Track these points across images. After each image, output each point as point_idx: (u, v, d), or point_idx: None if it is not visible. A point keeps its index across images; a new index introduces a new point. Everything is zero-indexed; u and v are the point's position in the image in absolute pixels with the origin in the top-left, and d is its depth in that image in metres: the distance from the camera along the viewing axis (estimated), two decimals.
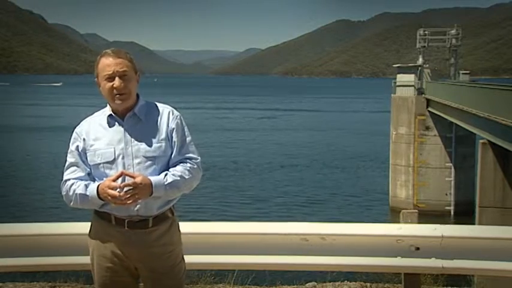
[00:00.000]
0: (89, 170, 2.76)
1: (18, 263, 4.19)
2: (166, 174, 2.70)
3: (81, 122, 2.86)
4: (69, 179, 2.75)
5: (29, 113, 68.43)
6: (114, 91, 2.70)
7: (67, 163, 2.80)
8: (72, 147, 2.80)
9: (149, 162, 2.72)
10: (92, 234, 2.84)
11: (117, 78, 2.69)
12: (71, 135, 2.83)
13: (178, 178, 2.71)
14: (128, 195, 2.60)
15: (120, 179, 2.63)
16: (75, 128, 2.86)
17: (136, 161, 2.70)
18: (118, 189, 2.61)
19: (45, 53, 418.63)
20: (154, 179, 2.66)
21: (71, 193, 2.72)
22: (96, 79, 2.78)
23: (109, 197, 2.61)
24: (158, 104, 2.86)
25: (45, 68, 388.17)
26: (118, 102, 2.72)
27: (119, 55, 2.74)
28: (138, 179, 2.61)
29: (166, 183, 2.68)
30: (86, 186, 2.70)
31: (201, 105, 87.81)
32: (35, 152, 36.72)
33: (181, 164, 2.76)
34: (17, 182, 27.58)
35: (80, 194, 2.69)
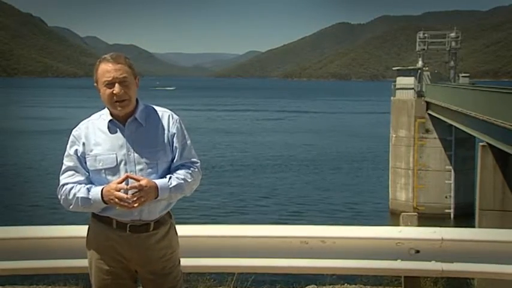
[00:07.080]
0: (87, 174, 2.73)
1: (17, 266, 4.18)
2: (170, 178, 2.71)
3: (78, 124, 2.82)
4: (67, 183, 2.72)
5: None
6: (114, 98, 2.69)
7: (64, 167, 2.75)
8: (70, 150, 2.76)
9: (151, 168, 2.72)
10: (90, 238, 2.83)
11: (117, 85, 2.68)
12: (68, 138, 2.79)
13: (182, 181, 2.73)
14: (135, 198, 2.58)
15: (124, 182, 2.62)
16: (72, 130, 2.81)
17: (139, 167, 2.70)
18: (124, 191, 2.59)
19: (45, 55, 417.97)
20: (159, 181, 2.67)
21: (70, 197, 2.69)
22: (95, 84, 2.76)
23: (115, 200, 2.59)
24: (157, 108, 2.85)
25: (45, 71, 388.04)
26: (119, 108, 2.71)
27: (118, 61, 2.72)
28: (144, 182, 2.61)
29: (171, 186, 2.69)
30: (88, 189, 2.67)
31: (202, 108, 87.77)
32: (34, 154, 36.68)
33: (183, 168, 2.77)
34: (15, 185, 27.55)
35: (81, 197, 2.66)
